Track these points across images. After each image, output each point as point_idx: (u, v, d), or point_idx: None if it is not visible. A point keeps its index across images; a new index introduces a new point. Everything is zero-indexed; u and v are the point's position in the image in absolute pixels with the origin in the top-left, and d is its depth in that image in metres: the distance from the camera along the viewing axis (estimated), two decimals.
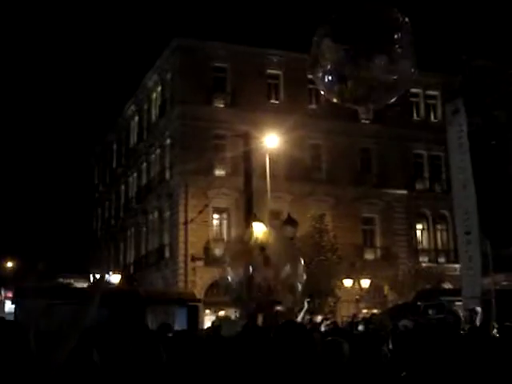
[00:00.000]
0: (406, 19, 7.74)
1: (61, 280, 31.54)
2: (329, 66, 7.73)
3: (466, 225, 17.15)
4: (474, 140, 17.54)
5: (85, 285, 31.66)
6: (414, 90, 43.21)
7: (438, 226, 43.32)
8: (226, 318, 13.12)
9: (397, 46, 7.61)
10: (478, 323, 12.01)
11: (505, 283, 23.88)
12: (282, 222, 17.79)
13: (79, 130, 78.94)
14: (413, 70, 7.96)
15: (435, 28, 52.93)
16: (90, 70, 79.75)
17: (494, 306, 16.07)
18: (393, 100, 8.28)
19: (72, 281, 30.16)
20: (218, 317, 33.19)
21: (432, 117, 44.21)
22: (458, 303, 19.88)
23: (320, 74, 7.90)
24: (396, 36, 7.64)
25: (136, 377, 5.13)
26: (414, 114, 44.45)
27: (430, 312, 22.12)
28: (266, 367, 4.38)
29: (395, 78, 7.80)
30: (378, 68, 7.60)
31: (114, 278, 34.00)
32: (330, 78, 7.82)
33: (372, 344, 5.49)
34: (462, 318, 12.15)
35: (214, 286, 37.44)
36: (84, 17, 73.57)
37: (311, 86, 39.25)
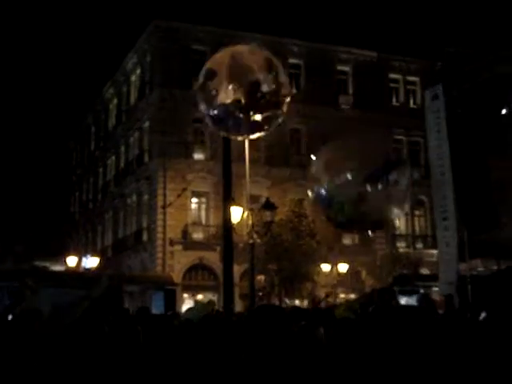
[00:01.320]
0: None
1: (37, 263, 31.31)
2: (321, 188, 7.99)
3: (444, 211, 17.25)
4: (452, 126, 17.59)
5: (62, 268, 31.53)
6: (393, 76, 43.56)
7: (416, 212, 43.52)
8: (211, 302, 13.13)
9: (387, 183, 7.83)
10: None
11: (481, 269, 24.13)
12: (261, 207, 17.78)
13: (57, 112, 77.98)
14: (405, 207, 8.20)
15: (416, 14, 53.01)
16: (67, 51, 78.76)
17: (469, 292, 16.25)
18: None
19: (48, 264, 29.97)
20: (196, 301, 33.22)
21: (411, 102, 44.31)
22: (434, 288, 20.08)
23: (315, 190, 8.17)
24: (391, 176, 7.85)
25: (115, 357, 5.12)
26: (394, 100, 44.52)
27: (403, 297, 22.31)
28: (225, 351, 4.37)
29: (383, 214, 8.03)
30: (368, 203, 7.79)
31: (92, 262, 33.86)
32: (321, 195, 8.06)
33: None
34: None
35: (192, 270, 37.46)
36: None
37: (291, 71, 39.16)
